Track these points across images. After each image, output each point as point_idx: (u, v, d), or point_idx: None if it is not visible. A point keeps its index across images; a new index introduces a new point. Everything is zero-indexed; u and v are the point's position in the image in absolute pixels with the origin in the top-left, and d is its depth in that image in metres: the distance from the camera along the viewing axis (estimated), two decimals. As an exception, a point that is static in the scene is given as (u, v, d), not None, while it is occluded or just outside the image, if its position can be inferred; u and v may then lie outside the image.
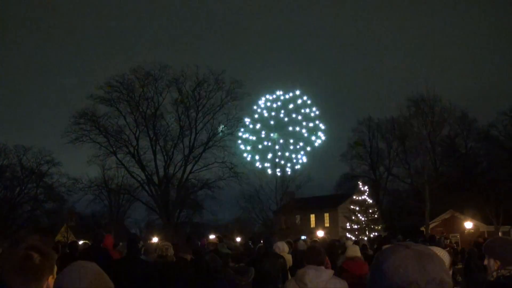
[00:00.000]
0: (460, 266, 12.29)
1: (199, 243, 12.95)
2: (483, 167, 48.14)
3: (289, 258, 9.21)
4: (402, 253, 1.40)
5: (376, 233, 40.49)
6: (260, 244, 9.90)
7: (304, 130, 30.56)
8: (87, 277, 1.97)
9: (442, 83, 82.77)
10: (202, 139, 46.02)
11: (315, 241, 12.46)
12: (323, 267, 5.39)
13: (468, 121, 51.34)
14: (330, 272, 5.30)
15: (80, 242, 22.22)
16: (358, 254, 7.65)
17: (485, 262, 3.86)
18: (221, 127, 45.27)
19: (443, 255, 2.73)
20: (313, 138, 30.56)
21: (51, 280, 2.06)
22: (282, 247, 9.12)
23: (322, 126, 30.65)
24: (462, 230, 35.31)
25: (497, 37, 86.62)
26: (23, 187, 50.96)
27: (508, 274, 3.58)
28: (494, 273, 3.67)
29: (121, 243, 13.27)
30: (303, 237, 20.29)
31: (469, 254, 11.56)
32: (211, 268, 5.86)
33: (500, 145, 47.26)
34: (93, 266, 2.04)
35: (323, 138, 30.59)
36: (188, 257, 7.36)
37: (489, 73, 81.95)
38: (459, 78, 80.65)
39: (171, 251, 7.37)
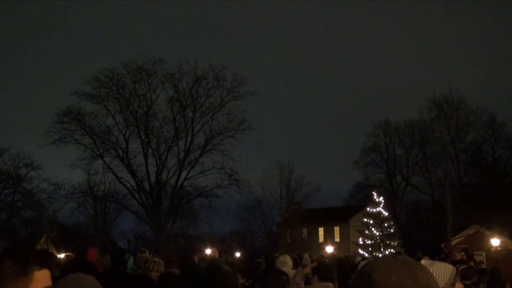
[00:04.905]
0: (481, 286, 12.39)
1: (195, 258, 13.07)
2: (513, 177, 48.17)
3: (292, 273, 9.16)
4: (392, 261, 1.51)
5: (392, 250, 40.54)
6: (259, 259, 9.85)
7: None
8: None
9: (467, 84, 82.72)
10: (199, 142, 46.15)
11: (322, 257, 12.48)
12: (331, 284, 5.49)
13: (496, 126, 51.40)
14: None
15: (62, 255, 22.21)
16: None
17: None
18: None
19: (448, 268, 2.84)
20: None
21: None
22: (283, 260, 9.02)
23: None
24: (488, 247, 35.21)
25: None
26: (-1, 193, 51.10)
27: None
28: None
29: (102, 255, 13.40)
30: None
31: (491, 272, 11.75)
32: (222, 285, 5.97)
33: (531, 153, 47.32)
34: (92, 279, 2.17)
35: None
36: (177, 271, 7.54)
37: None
38: (486, 79, 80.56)
39: (161, 267, 7.54)
